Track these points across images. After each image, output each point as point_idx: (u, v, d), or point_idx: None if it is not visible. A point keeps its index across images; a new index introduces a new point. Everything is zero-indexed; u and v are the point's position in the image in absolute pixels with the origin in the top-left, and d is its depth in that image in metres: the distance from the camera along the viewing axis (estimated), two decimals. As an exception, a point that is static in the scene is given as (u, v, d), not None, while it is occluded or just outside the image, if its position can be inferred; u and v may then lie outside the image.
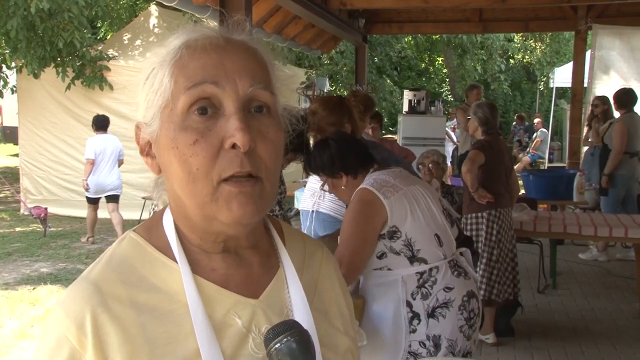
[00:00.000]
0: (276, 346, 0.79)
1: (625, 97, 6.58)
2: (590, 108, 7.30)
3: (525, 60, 21.92)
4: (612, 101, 6.73)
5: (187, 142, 0.79)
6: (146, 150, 0.88)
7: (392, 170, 2.40)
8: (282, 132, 0.85)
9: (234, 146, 0.79)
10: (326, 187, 2.53)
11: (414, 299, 2.21)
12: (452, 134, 12.19)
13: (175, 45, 0.83)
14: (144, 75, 0.86)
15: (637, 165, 6.53)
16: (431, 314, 2.20)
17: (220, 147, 0.79)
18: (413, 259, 2.21)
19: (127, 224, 8.71)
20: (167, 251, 0.87)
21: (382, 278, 2.26)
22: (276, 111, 0.86)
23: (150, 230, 0.90)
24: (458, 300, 2.23)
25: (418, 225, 2.21)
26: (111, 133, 8.59)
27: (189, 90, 0.80)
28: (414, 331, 2.20)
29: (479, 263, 4.28)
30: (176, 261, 0.85)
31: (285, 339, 0.79)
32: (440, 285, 2.22)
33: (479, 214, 4.31)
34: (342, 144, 2.46)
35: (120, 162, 7.77)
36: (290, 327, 0.80)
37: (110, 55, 9.20)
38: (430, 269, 2.22)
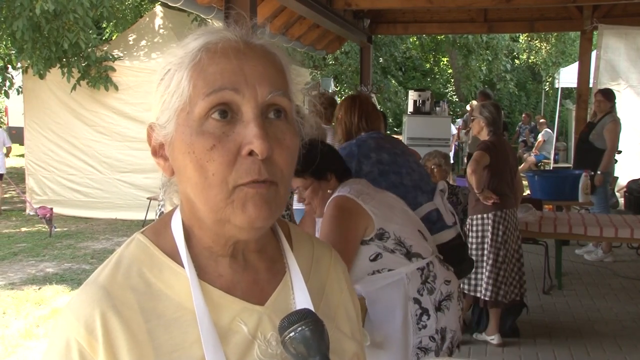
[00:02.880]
0: (290, 335, 0.79)
1: (612, 96, 6.72)
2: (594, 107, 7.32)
3: (530, 61, 21.87)
4: (600, 97, 6.75)
5: (204, 148, 0.78)
6: (159, 152, 0.86)
7: (359, 180, 2.40)
8: (297, 137, 0.84)
9: (251, 153, 0.78)
10: (297, 197, 2.40)
11: (421, 295, 2.23)
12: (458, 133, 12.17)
13: (193, 47, 0.82)
14: (158, 75, 0.85)
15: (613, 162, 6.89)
16: (438, 308, 2.25)
17: (237, 154, 0.78)
18: (409, 255, 2.22)
19: (132, 225, 8.76)
20: (174, 256, 0.86)
21: (383, 280, 2.24)
22: (292, 116, 0.85)
23: (159, 233, 0.89)
24: (456, 291, 2.32)
25: (402, 223, 2.24)
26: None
27: (208, 97, 0.79)
28: (424, 327, 2.22)
29: (484, 264, 4.28)
30: (183, 266, 0.85)
31: (299, 328, 0.79)
32: (441, 279, 2.27)
33: (485, 215, 4.30)
34: (328, 146, 2.44)
35: (9, 150, 10.25)
36: (304, 316, 0.80)
37: (116, 56, 9.22)
38: (427, 264, 2.25)
